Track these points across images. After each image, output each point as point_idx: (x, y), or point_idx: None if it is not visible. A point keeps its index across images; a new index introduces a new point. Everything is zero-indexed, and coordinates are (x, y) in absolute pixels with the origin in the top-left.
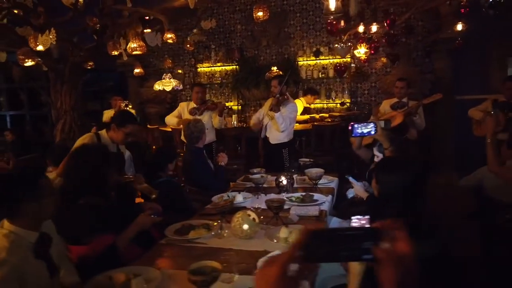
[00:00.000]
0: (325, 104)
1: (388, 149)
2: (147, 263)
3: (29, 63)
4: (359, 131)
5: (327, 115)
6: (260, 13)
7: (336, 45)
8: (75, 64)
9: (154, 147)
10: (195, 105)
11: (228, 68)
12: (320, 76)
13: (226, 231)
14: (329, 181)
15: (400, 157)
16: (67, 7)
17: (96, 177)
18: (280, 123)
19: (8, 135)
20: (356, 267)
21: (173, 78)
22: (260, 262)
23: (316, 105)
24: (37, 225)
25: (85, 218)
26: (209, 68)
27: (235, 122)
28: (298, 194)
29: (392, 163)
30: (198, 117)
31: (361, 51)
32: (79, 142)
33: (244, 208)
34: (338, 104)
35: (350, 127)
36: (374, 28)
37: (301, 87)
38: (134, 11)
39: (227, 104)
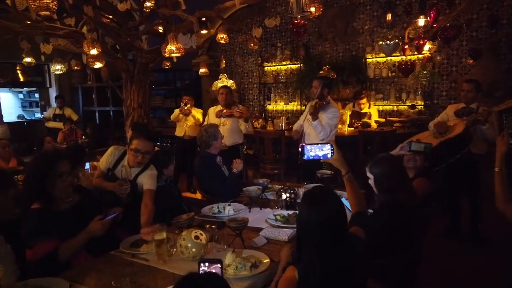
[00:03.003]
0: (394, 107)
1: (345, 177)
2: (73, 274)
3: (97, 65)
4: (312, 153)
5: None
6: (313, 9)
7: (381, 42)
8: (142, 65)
9: None
10: (221, 108)
11: (294, 66)
12: (390, 75)
13: (174, 249)
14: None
15: (324, 191)
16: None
17: (38, 185)
18: (319, 131)
19: (88, 129)
20: None
21: (231, 78)
22: None
23: (384, 107)
24: None
25: (29, 222)
26: (275, 67)
27: (283, 124)
28: (286, 212)
29: (314, 195)
30: (224, 119)
31: (425, 47)
32: None
33: (222, 223)
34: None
35: (300, 149)
36: (421, 21)
37: (368, 86)
38: (172, 14)
39: (290, 104)
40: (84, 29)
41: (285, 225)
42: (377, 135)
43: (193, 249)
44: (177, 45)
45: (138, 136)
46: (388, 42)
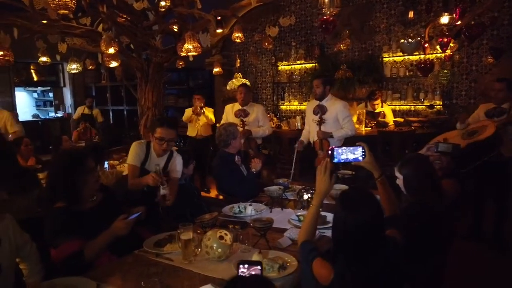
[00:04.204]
0: (412, 106)
1: (378, 180)
2: (98, 274)
3: (113, 64)
4: (344, 156)
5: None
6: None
7: (402, 41)
8: (157, 64)
9: None
10: (240, 107)
11: (308, 66)
12: (407, 74)
13: (199, 249)
14: None
15: (363, 192)
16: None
17: (67, 183)
18: (351, 129)
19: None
20: None
21: (245, 77)
22: None
23: (401, 107)
24: None
25: (53, 221)
26: (289, 66)
27: (299, 124)
28: None
29: (353, 197)
30: (244, 119)
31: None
32: None
33: (245, 223)
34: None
35: (330, 151)
36: (445, 19)
37: (384, 85)
38: (189, 12)
39: (304, 103)
40: (100, 28)
41: None
42: (396, 135)
43: (219, 250)
44: (194, 44)
45: (161, 124)
46: (410, 40)
